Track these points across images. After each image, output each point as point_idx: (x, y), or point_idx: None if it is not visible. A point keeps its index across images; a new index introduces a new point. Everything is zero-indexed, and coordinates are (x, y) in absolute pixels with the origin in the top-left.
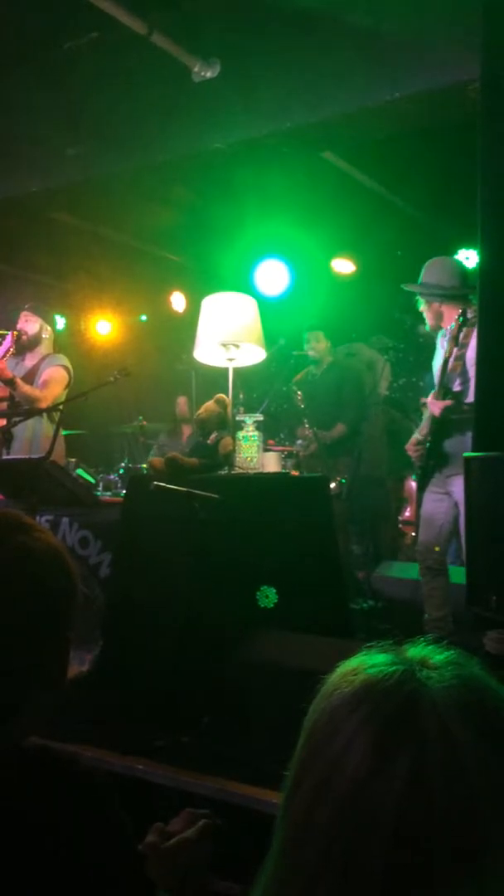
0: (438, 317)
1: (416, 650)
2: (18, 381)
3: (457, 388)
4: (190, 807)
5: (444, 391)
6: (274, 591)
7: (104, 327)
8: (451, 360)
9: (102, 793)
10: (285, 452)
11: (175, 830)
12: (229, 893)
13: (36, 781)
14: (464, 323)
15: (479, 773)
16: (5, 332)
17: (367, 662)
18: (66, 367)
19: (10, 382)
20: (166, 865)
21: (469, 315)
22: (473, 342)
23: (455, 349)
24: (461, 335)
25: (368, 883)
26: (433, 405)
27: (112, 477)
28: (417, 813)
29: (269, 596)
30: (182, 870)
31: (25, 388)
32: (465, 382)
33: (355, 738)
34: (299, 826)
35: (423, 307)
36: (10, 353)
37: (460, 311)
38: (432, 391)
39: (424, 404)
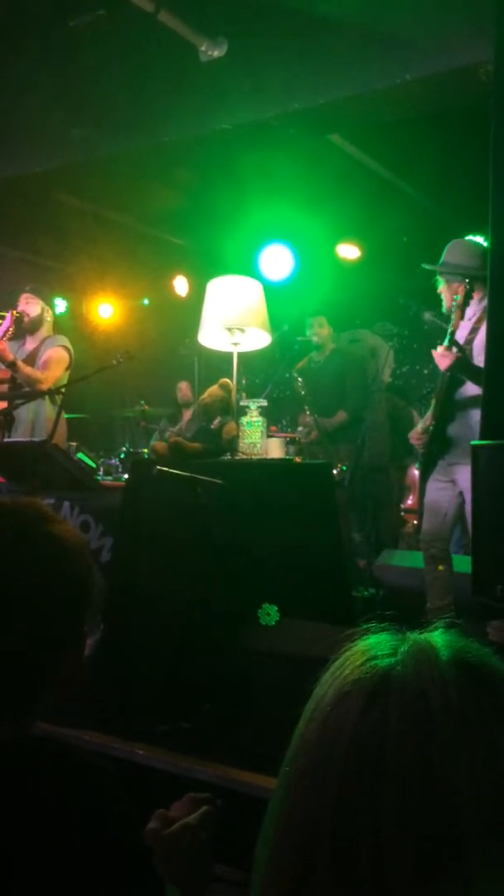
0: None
1: (425, 634)
2: (20, 362)
3: None
4: (189, 792)
5: (452, 343)
6: (276, 608)
7: (106, 310)
8: (462, 340)
9: (107, 782)
10: (287, 439)
11: (177, 816)
12: (230, 878)
13: (41, 770)
14: (467, 294)
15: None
16: (4, 312)
17: (373, 647)
18: (66, 348)
19: (12, 365)
20: (169, 852)
21: (478, 296)
22: (484, 327)
23: (462, 322)
24: (467, 315)
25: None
26: (442, 357)
27: (113, 461)
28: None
29: (270, 614)
30: (184, 856)
31: (27, 370)
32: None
33: (360, 722)
34: (295, 811)
35: (441, 287)
36: (9, 333)
37: (478, 294)
38: (441, 343)
39: (431, 392)
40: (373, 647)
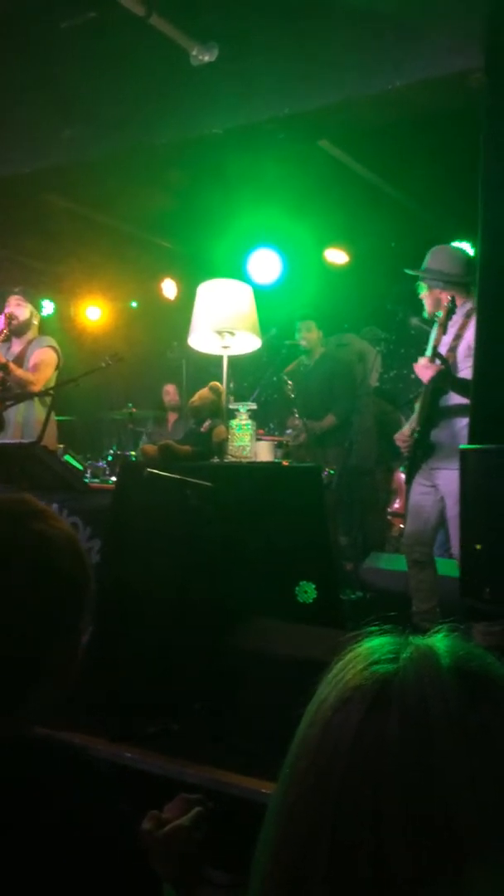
0: (437, 304)
1: (427, 639)
2: (11, 365)
3: None
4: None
5: (435, 356)
6: (313, 586)
7: (94, 313)
8: (445, 350)
9: (107, 784)
10: (275, 442)
11: (169, 817)
12: (217, 881)
13: (40, 772)
14: (452, 309)
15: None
16: None
17: (375, 651)
18: (54, 349)
19: (4, 367)
20: (162, 852)
21: (459, 303)
22: (467, 334)
23: (445, 337)
24: (450, 324)
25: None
26: (423, 369)
27: (100, 464)
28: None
29: (307, 592)
30: (177, 857)
31: (18, 372)
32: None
33: (362, 728)
34: (295, 813)
35: (423, 293)
36: (2, 335)
37: (460, 300)
38: (422, 357)
39: (416, 396)
40: (374, 650)
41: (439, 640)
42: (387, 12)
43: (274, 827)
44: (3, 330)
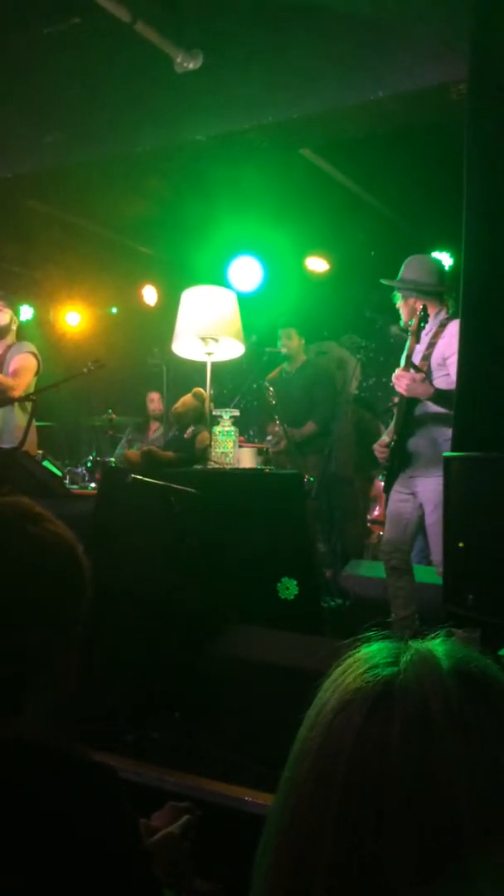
0: (413, 313)
1: (426, 643)
2: None
3: None
4: (158, 802)
5: (409, 365)
6: (294, 582)
7: (74, 318)
8: (418, 359)
9: (112, 788)
10: (256, 449)
11: (158, 826)
12: (201, 889)
13: (46, 777)
14: (423, 317)
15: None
16: None
17: (375, 655)
18: (34, 354)
19: None
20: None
21: (432, 312)
22: (440, 343)
23: (418, 346)
24: (423, 333)
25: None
26: (400, 378)
27: (79, 470)
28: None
29: (289, 588)
30: (167, 864)
31: (0, 378)
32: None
33: (363, 731)
34: (297, 816)
35: (399, 303)
36: None
37: (434, 309)
38: (398, 368)
39: (395, 405)
40: (374, 655)
41: (438, 645)
42: (369, 24)
43: (275, 832)
44: None
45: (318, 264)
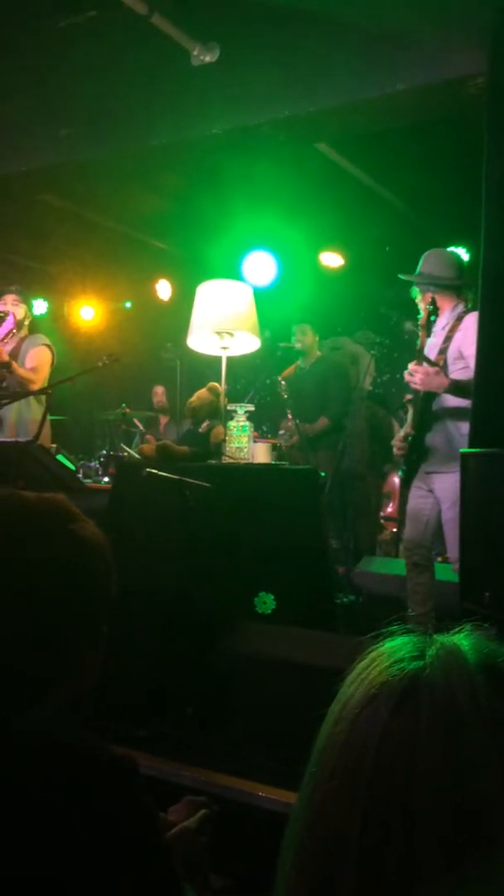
0: None
1: (451, 637)
2: (14, 364)
3: None
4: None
5: (422, 359)
6: (272, 597)
7: (88, 313)
8: (434, 353)
9: (133, 782)
10: (270, 444)
11: (175, 820)
12: (214, 885)
13: (68, 769)
14: (432, 312)
15: None
16: (5, 313)
17: (399, 650)
18: (49, 346)
19: (6, 365)
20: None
21: (449, 306)
22: (457, 337)
23: (429, 339)
24: (441, 327)
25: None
26: (415, 371)
27: (92, 464)
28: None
29: (266, 602)
30: (183, 859)
31: (20, 371)
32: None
33: (390, 725)
34: (323, 810)
35: (417, 297)
36: (11, 334)
37: (451, 303)
38: (412, 362)
39: (410, 401)
40: (398, 649)
41: (463, 638)
42: (386, 17)
43: (300, 827)
44: (11, 329)
45: (332, 259)
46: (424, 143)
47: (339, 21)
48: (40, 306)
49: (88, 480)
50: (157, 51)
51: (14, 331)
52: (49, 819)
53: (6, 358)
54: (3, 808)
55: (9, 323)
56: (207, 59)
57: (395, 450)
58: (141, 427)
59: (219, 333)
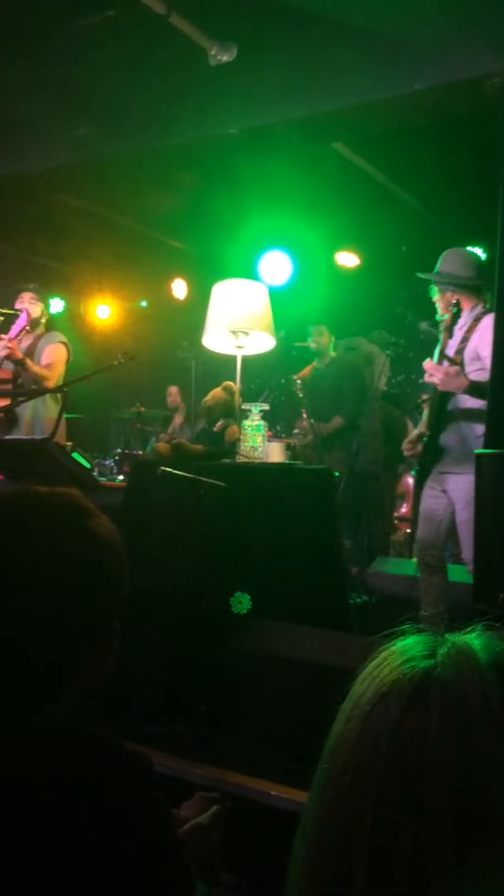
0: (450, 307)
1: (462, 636)
2: (28, 361)
3: None
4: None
5: (442, 359)
6: (248, 597)
7: (104, 312)
8: (452, 353)
9: (147, 778)
10: (283, 444)
11: (188, 816)
12: (225, 882)
13: (82, 764)
14: (457, 314)
15: None
16: (18, 311)
17: (411, 648)
18: (65, 344)
19: (21, 363)
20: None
21: (468, 306)
22: (474, 337)
23: (451, 341)
24: (458, 327)
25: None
26: (434, 371)
27: (107, 462)
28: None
29: (242, 602)
30: (196, 855)
31: (35, 368)
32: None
33: (401, 723)
34: (334, 807)
35: (436, 297)
36: (24, 331)
37: (470, 303)
38: (428, 359)
39: (425, 401)
40: (410, 648)
41: (475, 638)
42: (403, 16)
43: (312, 824)
44: (24, 326)
45: (347, 259)
46: (441, 143)
47: (356, 21)
48: (57, 305)
49: (103, 478)
50: (175, 50)
51: (27, 328)
52: (63, 813)
53: (20, 355)
54: (20, 802)
55: (21, 320)
56: (225, 58)
57: (405, 451)
58: (159, 431)
59: (234, 333)
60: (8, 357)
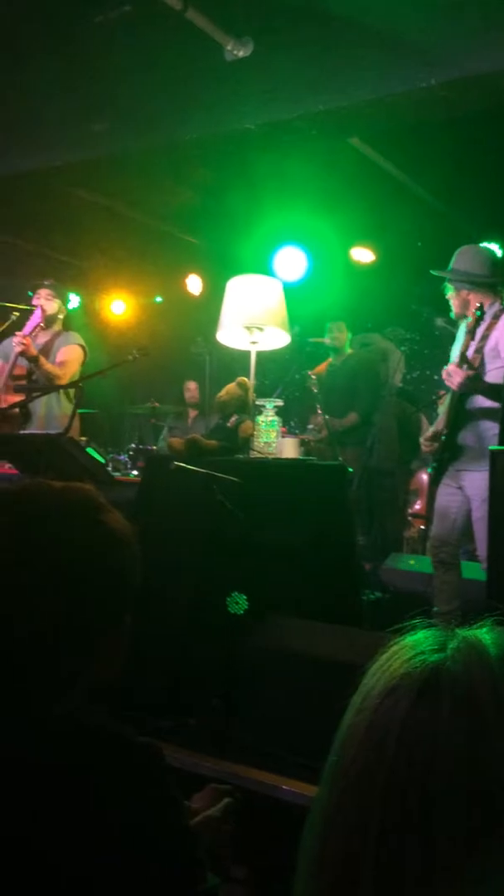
0: (465, 305)
1: (473, 631)
2: (42, 358)
3: None
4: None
5: (463, 361)
6: (244, 597)
7: (119, 307)
8: (471, 353)
9: (159, 768)
10: (298, 440)
11: (199, 808)
12: (237, 875)
13: (96, 754)
14: (481, 317)
15: None
16: (33, 307)
17: (421, 642)
18: (82, 346)
19: (34, 359)
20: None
21: (487, 308)
22: (494, 335)
23: (473, 343)
24: (479, 328)
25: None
26: (454, 373)
27: (122, 457)
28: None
29: (238, 603)
30: (207, 847)
31: (47, 366)
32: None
33: (410, 716)
34: (343, 799)
35: (450, 294)
36: (39, 328)
37: (487, 301)
38: (451, 362)
39: (439, 398)
40: (420, 642)
41: (485, 633)
42: (420, 11)
43: (321, 816)
44: (39, 323)
45: (363, 255)
46: (457, 138)
47: (372, 16)
48: (72, 301)
49: (118, 473)
50: (191, 46)
51: (42, 325)
52: (77, 803)
53: (34, 352)
54: (35, 792)
55: (36, 317)
56: (241, 53)
57: (423, 447)
58: (170, 424)
59: (248, 328)
60: (22, 353)
